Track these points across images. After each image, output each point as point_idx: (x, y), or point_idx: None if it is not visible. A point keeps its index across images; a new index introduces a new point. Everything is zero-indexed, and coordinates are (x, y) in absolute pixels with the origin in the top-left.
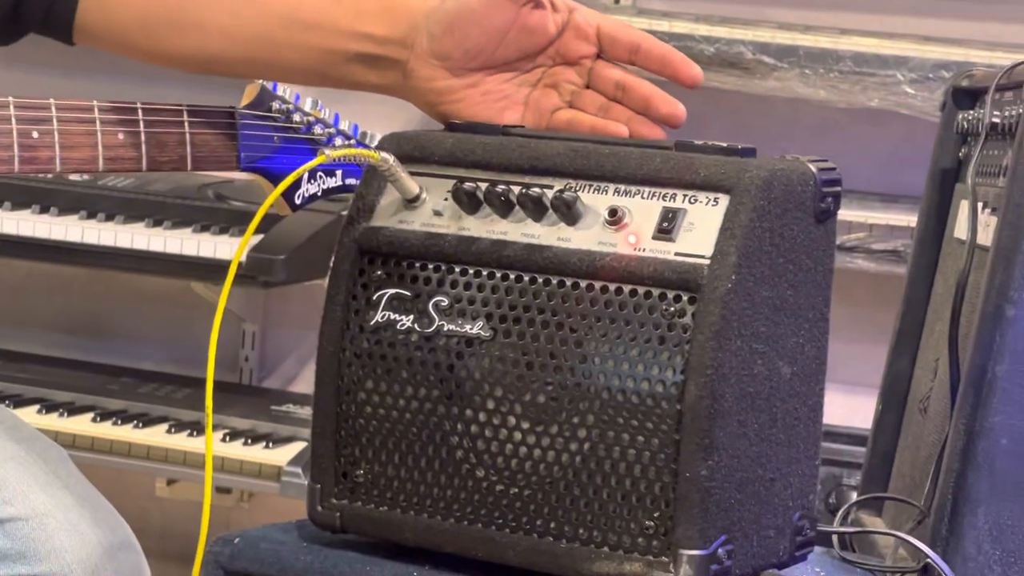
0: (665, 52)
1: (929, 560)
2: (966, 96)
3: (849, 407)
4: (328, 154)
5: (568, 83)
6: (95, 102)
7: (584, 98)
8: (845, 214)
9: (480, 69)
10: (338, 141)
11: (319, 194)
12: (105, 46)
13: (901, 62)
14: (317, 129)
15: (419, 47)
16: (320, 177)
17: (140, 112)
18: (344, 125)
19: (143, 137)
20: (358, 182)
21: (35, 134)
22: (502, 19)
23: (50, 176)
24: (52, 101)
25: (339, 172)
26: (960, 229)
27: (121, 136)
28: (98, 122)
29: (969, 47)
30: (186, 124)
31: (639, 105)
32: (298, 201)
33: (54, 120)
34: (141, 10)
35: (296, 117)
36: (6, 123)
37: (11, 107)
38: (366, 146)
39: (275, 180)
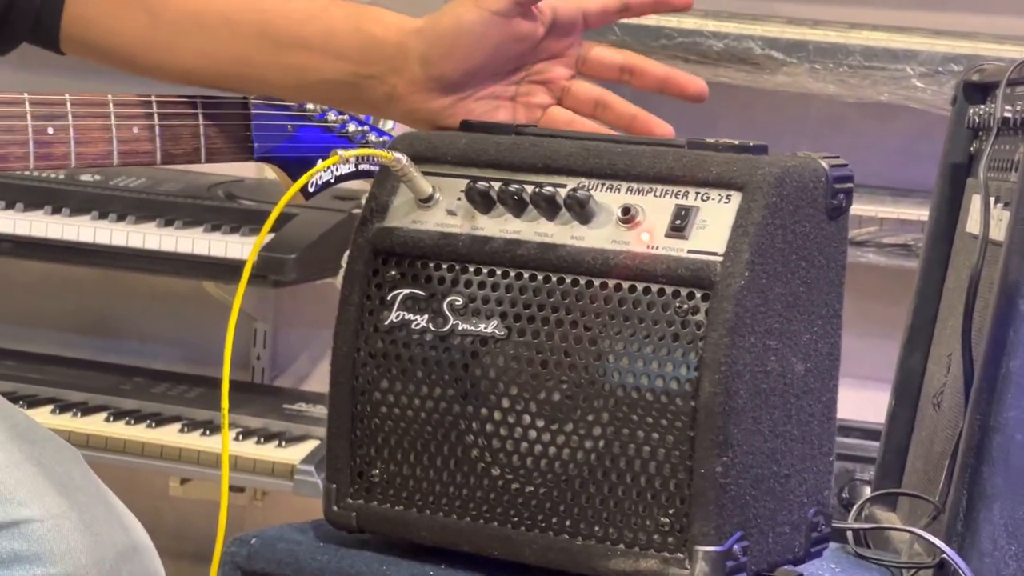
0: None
1: (945, 556)
2: (977, 90)
3: (861, 401)
4: (341, 154)
5: (559, 78)
6: (109, 96)
7: (577, 92)
8: (856, 208)
9: (473, 82)
10: (352, 127)
11: (332, 181)
12: (88, 58)
13: (911, 56)
14: (331, 116)
15: (408, 72)
16: (334, 164)
17: (154, 105)
18: None
19: (157, 130)
20: (371, 168)
21: (50, 130)
22: (498, 35)
23: (62, 176)
24: (67, 96)
25: (352, 159)
26: (972, 224)
27: (136, 130)
28: (112, 116)
29: (979, 40)
30: (200, 116)
31: (654, 85)
32: (311, 189)
33: (69, 115)
34: (117, 29)
35: (310, 105)
36: (21, 120)
37: (26, 103)
38: (381, 132)
39: (290, 169)
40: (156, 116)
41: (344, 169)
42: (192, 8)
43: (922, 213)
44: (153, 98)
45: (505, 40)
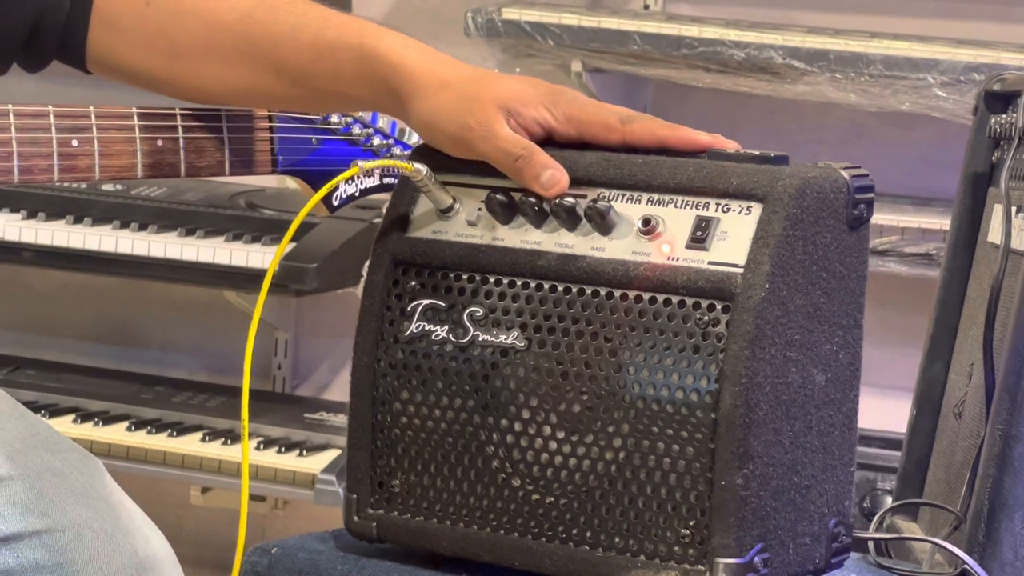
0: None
1: (966, 566)
2: (998, 100)
3: (882, 411)
4: (361, 165)
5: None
6: (134, 109)
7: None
8: (877, 217)
9: None
10: (376, 140)
11: (356, 194)
12: (114, 79)
13: (932, 65)
14: (356, 129)
15: (414, 121)
16: (357, 177)
17: (179, 118)
18: (382, 122)
19: (182, 143)
20: (395, 181)
21: (75, 142)
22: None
23: (84, 186)
24: (91, 109)
25: (376, 172)
26: (994, 233)
27: (160, 142)
28: (137, 129)
29: (1000, 49)
30: (224, 129)
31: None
32: (336, 203)
33: (93, 128)
34: (140, 54)
35: (334, 118)
36: (46, 132)
37: (51, 116)
38: (406, 146)
39: (313, 182)
40: (180, 129)
41: (369, 182)
42: (210, 41)
43: (943, 222)
44: (177, 111)
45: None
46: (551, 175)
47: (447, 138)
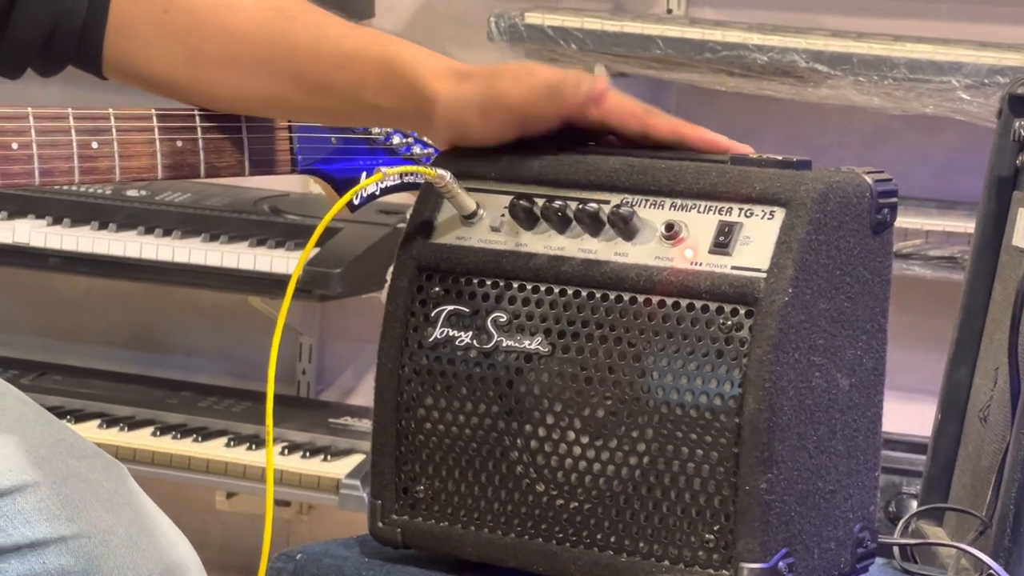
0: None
1: (992, 571)
2: (1023, 103)
3: (907, 415)
4: (385, 171)
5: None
6: (153, 110)
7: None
8: (901, 221)
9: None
10: (396, 139)
11: (377, 193)
12: (130, 85)
13: (956, 68)
14: (375, 129)
15: (436, 133)
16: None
17: (198, 118)
18: None
19: (201, 143)
20: (415, 180)
21: (95, 144)
22: (529, 114)
23: (108, 191)
24: (111, 111)
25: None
26: (1019, 237)
27: (179, 143)
28: (156, 130)
29: None
30: (243, 129)
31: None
32: (356, 202)
33: (113, 130)
34: (158, 61)
35: None
36: (66, 135)
37: (70, 118)
38: (425, 144)
39: (333, 181)
40: (200, 129)
41: (389, 182)
42: (228, 49)
43: (968, 226)
44: (196, 112)
45: (535, 120)
46: (592, 81)
47: (476, 109)
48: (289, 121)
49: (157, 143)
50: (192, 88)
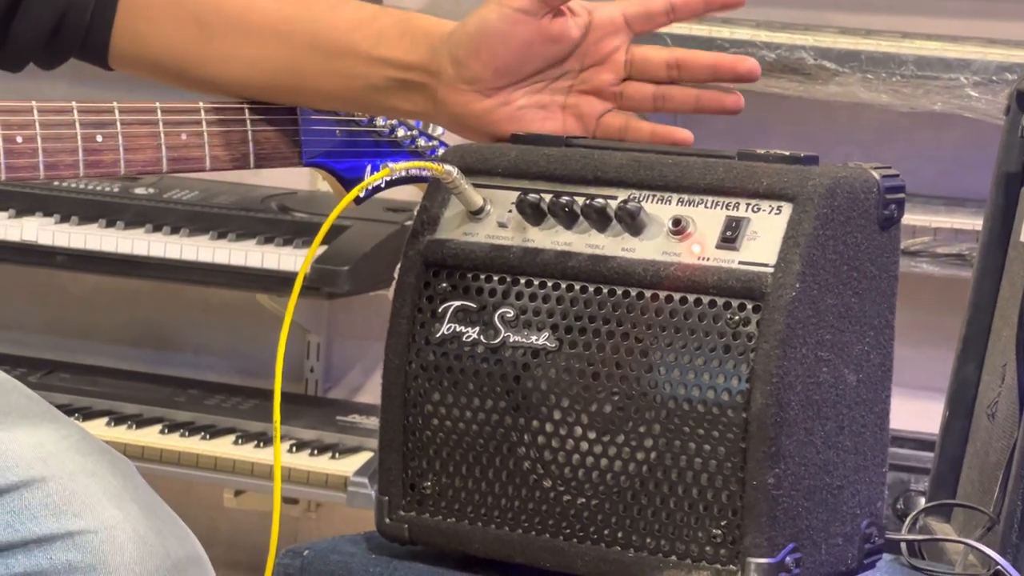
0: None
1: (999, 567)
2: None
3: (914, 411)
4: (392, 167)
5: (607, 84)
6: (157, 104)
7: (632, 93)
8: (909, 218)
9: (509, 85)
10: (400, 132)
11: (383, 186)
12: (138, 73)
13: (964, 65)
14: (379, 121)
15: (445, 74)
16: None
17: (202, 111)
18: None
19: (206, 136)
20: (420, 174)
21: (99, 137)
22: (525, 33)
23: (116, 189)
24: (115, 104)
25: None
26: None
27: (184, 136)
28: (161, 123)
29: None
30: (248, 121)
31: (705, 74)
32: (362, 195)
33: (117, 123)
34: (169, 42)
35: None
36: (70, 128)
37: (75, 111)
38: (429, 137)
39: (338, 174)
40: (204, 122)
41: (394, 175)
42: (243, 20)
43: (976, 223)
44: (201, 105)
45: (535, 40)
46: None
47: (497, 21)
48: (295, 105)
49: (162, 136)
50: (204, 67)
